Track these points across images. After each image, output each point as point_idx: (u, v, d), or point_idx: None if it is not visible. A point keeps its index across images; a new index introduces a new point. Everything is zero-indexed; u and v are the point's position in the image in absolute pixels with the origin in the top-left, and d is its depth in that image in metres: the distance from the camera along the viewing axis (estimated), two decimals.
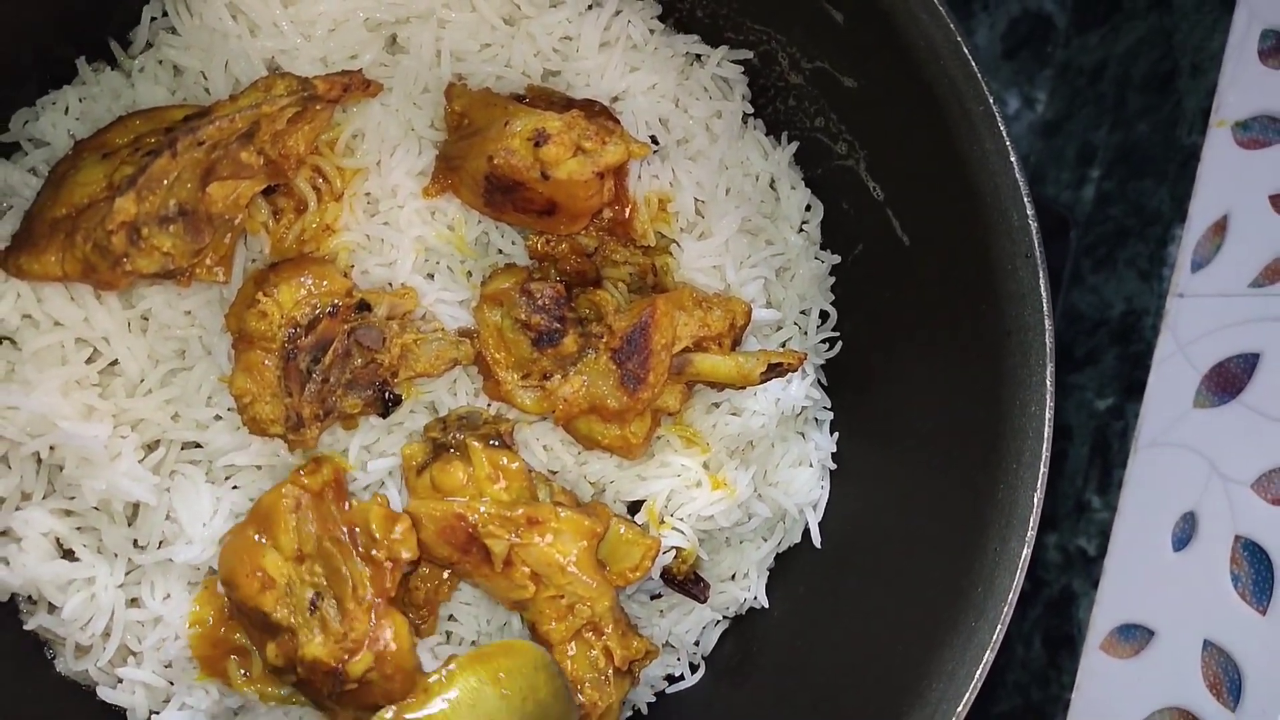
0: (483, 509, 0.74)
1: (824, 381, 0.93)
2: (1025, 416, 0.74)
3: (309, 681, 0.73)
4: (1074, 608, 1.24)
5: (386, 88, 0.79)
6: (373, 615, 0.72)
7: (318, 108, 0.71)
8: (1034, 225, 0.73)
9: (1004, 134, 0.72)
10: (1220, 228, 1.17)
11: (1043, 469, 0.74)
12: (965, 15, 1.46)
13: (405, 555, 0.74)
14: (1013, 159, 0.72)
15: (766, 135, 0.89)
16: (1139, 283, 1.30)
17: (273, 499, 0.75)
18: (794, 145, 0.89)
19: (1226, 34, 1.20)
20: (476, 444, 0.76)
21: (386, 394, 0.76)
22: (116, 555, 0.77)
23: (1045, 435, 0.74)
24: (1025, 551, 0.74)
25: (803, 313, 0.91)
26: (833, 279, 0.91)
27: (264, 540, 0.74)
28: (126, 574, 0.77)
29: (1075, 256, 1.39)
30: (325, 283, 0.76)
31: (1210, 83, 1.22)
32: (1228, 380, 1.12)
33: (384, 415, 0.77)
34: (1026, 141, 1.51)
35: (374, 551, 0.74)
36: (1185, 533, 1.10)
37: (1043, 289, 0.73)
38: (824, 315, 0.92)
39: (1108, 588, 1.15)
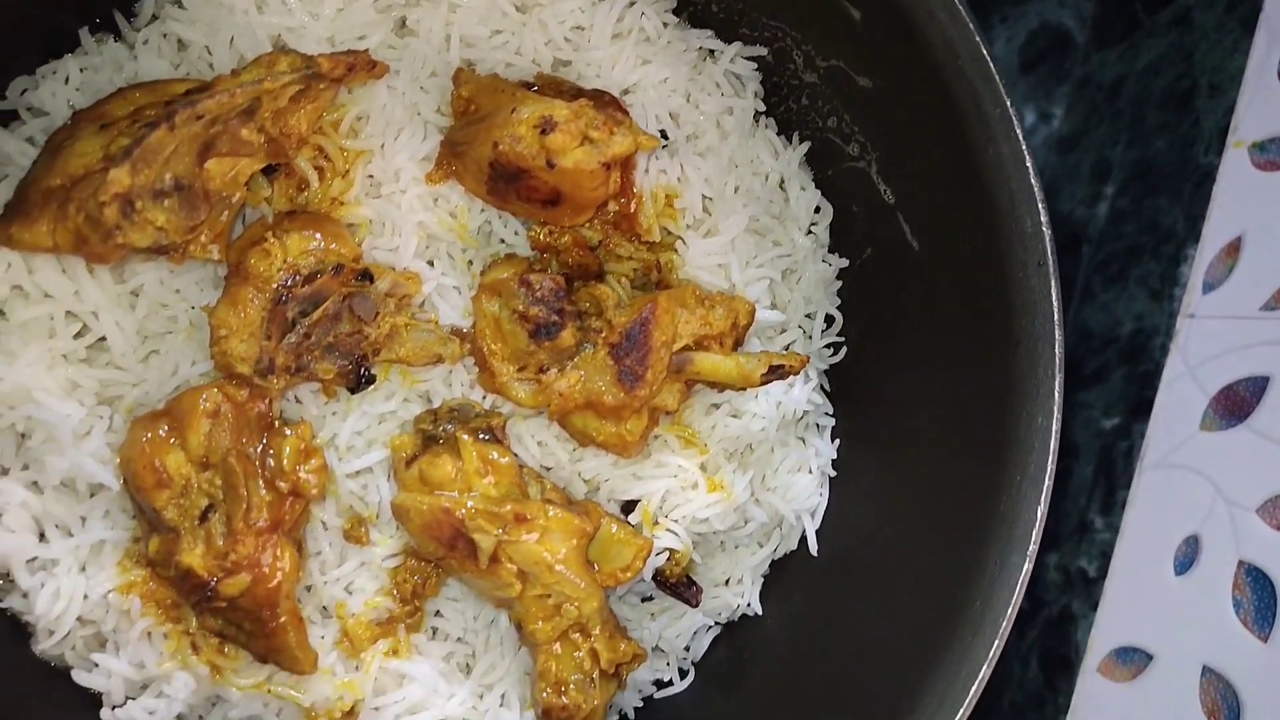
0: (470, 504, 0.73)
1: (827, 387, 0.91)
2: (1032, 429, 0.72)
3: (180, 583, 0.72)
4: (1072, 629, 1.23)
5: (393, 70, 0.78)
6: (263, 542, 0.71)
7: (321, 87, 0.70)
8: (1048, 233, 0.71)
9: (1020, 138, 0.70)
10: (1234, 249, 1.15)
11: (1047, 482, 0.72)
12: (983, 27, 1.45)
13: (313, 492, 0.74)
14: (1028, 164, 0.71)
15: (778, 134, 0.88)
16: (1150, 302, 1.28)
17: (192, 399, 0.73)
18: (805, 145, 0.87)
19: (1247, 55, 1.19)
20: (466, 437, 0.74)
21: (362, 369, 0.75)
22: (73, 535, 0.75)
23: (1051, 449, 0.72)
24: (1026, 567, 0.72)
25: (808, 316, 0.89)
26: (839, 283, 0.90)
27: (172, 439, 0.72)
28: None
29: (1087, 273, 1.38)
30: (335, 244, 0.74)
31: (1229, 102, 1.20)
32: (1236, 404, 1.10)
33: (353, 390, 0.76)
34: (1042, 156, 1.50)
35: (279, 481, 0.73)
36: (1188, 556, 1.08)
37: (1054, 298, 0.71)
38: (829, 319, 0.90)
39: (1107, 610, 1.13)
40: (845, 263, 0.89)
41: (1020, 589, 0.73)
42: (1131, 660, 1.09)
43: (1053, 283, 0.71)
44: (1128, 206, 1.38)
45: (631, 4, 0.83)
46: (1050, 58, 1.48)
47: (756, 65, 0.86)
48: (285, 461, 0.72)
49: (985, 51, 0.69)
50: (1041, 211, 0.71)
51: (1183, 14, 1.37)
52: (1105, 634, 1.12)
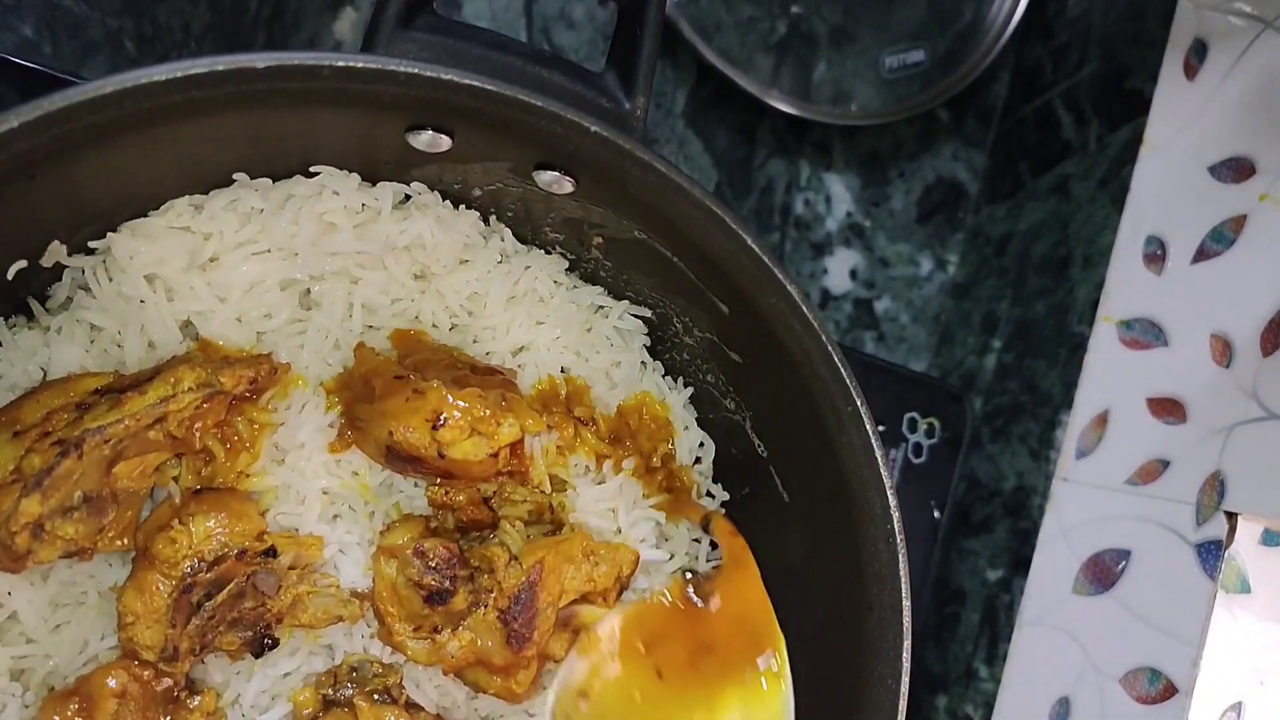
0: None
1: None
2: (883, 690, 0.80)
3: None
4: None
5: (298, 345, 0.83)
6: None
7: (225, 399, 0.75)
8: (896, 514, 0.79)
9: (870, 432, 0.78)
10: (1102, 420, 1.23)
11: None
12: (882, 182, 1.53)
13: None
14: (877, 454, 0.78)
15: (664, 377, 0.95)
16: (1029, 460, 1.36)
17: (100, 680, 0.76)
18: (689, 390, 0.94)
19: (1115, 232, 1.27)
20: (363, 703, 0.80)
21: (265, 637, 0.80)
22: None
23: (900, 709, 0.79)
24: None
25: (695, 540, 0.96)
26: (723, 510, 0.97)
27: (81, 718, 0.76)
28: None
29: (975, 423, 1.45)
30: (241, 524, 0.79)
31: (1100, 276, 1.28)
32: (1102, 572, 1.18)
33: (257, 655, 0.81)
34: (938, 301, 1.58)
35: None
36: (1060, 717, 1.16)
37: (902, 574, 0.79)
38: (715, 544, 0.97)
39: None
40: (727, 496, 0.96)
41: None
42: None
43: (900, 558, 0.79)
44: (1012, 363, 1.46)
45: (527, 268, 0.89)
46: (945, 208, 1.56)
47: (643, 321, 0.92)
48: None
49: (838, 358, 0.77)
50: (891, 498, 0.78)
51: (1061, 182, 1.46)
52: None
